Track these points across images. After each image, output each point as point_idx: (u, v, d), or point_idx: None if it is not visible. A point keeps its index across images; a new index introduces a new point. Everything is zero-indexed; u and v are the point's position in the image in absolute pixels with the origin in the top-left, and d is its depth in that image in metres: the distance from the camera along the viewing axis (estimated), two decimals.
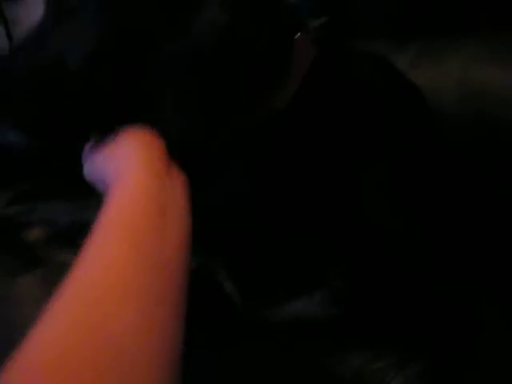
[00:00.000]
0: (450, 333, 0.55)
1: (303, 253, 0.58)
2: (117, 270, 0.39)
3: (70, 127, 0.52)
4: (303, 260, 0.58)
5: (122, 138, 0.49)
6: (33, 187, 1.18)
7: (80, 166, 0.55)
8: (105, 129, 0.51)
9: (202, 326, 0.55)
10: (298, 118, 0.55)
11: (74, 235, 0.78)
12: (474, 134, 0.88)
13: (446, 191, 0.71)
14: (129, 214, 0.43)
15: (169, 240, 0.43)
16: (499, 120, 0.86)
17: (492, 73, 0.89)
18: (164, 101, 0.49)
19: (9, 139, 0.50)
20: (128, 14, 0.49)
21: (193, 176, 0.49)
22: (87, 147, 0.55)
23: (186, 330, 0.46)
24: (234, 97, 0.50)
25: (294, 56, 0.55)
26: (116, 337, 0.36)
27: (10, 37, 1.54)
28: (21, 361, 0.35)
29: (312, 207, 0.57)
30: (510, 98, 0.86)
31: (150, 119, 0.49)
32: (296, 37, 0.57)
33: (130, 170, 0.46)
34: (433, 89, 0.91)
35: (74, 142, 0.55)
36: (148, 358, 0.37)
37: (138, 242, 0.41)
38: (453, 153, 0.85)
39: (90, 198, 0.57)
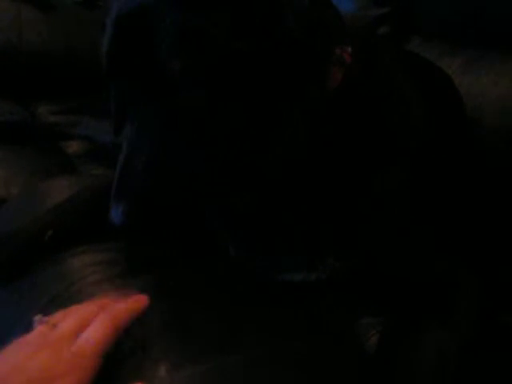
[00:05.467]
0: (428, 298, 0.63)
1: (308, 238, 0.63)
2: None
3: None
4: (307, 245, 0.63)
5: None
6: (81, 103, 1.24)
7: None
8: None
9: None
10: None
11: (108, 154, 0.84)
12: (509, 147, 0.90)
13: (457, 197, 0.75)
14: None
15: None
16: None
17: None
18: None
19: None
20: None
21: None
22: None
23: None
24: None
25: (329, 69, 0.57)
26: None
27: None
28: None
29: (323, 199, 0.61)
30: None
31: None
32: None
33: None
34: (476, 98, 0.93)
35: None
36: None
37: None
38: (485, 163, 0.87)
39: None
